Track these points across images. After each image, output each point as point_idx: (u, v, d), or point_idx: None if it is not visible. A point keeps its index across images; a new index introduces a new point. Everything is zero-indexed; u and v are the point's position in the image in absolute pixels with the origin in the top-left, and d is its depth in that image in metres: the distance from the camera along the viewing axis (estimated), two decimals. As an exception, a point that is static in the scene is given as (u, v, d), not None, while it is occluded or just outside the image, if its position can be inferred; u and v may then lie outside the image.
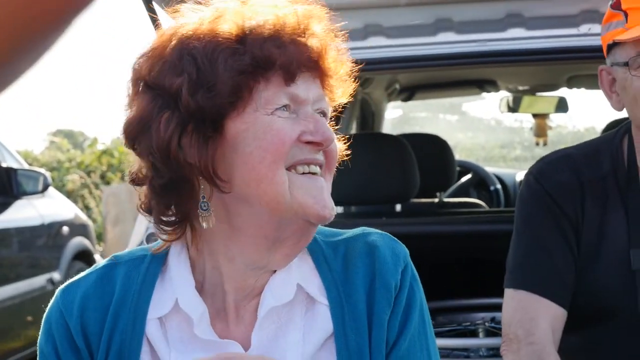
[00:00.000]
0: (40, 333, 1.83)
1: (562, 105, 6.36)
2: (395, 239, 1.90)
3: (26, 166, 7.85)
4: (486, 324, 3.94)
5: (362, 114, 6.02)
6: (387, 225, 4.04)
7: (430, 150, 5.21)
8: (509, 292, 2.64)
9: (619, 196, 2.61)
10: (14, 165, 7.38)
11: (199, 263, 1.80)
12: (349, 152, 1.87)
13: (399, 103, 7.48)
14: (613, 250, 2.59)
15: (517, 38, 3.43)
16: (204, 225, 1.74)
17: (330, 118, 1.81)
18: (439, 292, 3.54)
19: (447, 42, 3.53)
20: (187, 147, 1.68)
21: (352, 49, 3.55)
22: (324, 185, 1.73)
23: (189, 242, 1.81)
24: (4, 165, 7.20)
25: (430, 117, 14.33)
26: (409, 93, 6.24)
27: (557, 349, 2.56)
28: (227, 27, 1.70)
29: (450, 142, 5.81)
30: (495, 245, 3.52)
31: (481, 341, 3.87)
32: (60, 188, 15.78)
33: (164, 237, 1.80)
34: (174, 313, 1.78)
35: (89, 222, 9.09)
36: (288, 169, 1.69)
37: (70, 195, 15.47)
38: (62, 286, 1.85)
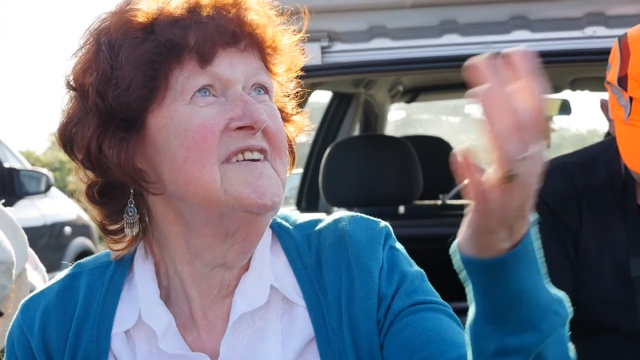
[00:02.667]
0: (4, 352, 1.73)
1: (565, 108, 6.34)
2: (372, 218, 1.72)
3: (29, 166, 7.85)
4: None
5: (365, 116, 6.01)
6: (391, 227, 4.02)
7: (433, 152, 5.20)
8: None
9: (616, 205, 2.60)
10: (17, 166, 7.38)
11: (163, 268, 1.68)
12: (311, 126, 1.76)
13: (401, 105, 7.48)
14: (612, 258, 2.58)
15: (521, 40, 3.41)
16: (128, 232, 1.64)
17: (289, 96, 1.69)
18: (443, 294, 3.53)
19: (452, 44, 3.52)
20: (106, 149, 1.56)
21: (356, 50, 3.58)
22: (264, 170, 1.57)
23: (146, 248, 1.70)
24: (7, 165, 7.20)
25: (433, 119, 14.32)
26: (412, 95, 6.23)
27: None
28: (138, 13, 1.58)
29: (453, 144, 5.80)
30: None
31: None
32: (62, 188, 15.76)
33: (115, 247, 1.68)
34: (140, 325, 1.66)
35: (91, 223, 9.09)
36: (224, 162, 1.55)
37: (72, 195, 15.45)
38: (24, 300, 1.73)
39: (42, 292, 1.72)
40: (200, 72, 1.56)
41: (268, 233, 1.71)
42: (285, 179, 1.63)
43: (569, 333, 1.44)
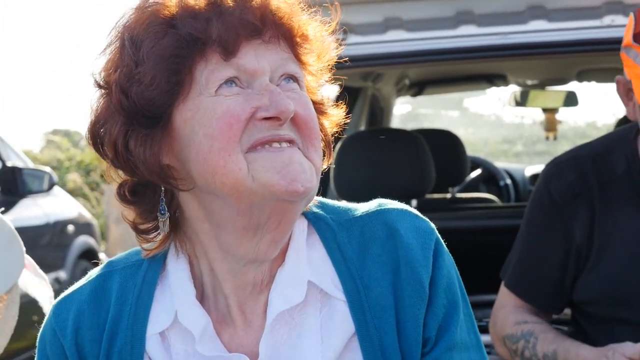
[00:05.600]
0: (36, 354, 1.70)
1: (571, 99, 6.33)
2: (417, 213, 1.67)
3: (31, 165, 7.81)
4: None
5: (371, 110, 5.98)
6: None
7: (443, 145, 5.18)
8: (501, 286, 2.79)
9: (635, 194, 2.58)
10: (19, 164, 7.34)
11: (196, 266, 1.65)
12: (346, 120, 1.71)
13: (404, 100, 7.46)
14: (628, 247, 2.57)
15: (539, 30, 3.40)
16: (162, 230, 1.62)
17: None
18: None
19: (468, 35, 3.49)
20: (133, 147, 1.55)
21: (371, 42, 3.55)
22: (294, 155, 1.52)
23: (178, 246, 1.67)
24: (10, 164, 7.16)
25: (432, 113, 14.31)
26: (418, 88, 6.21)
27: None
28: (159, 8, 1.55)
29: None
30: (513, 239, 3.49)
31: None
32: (61, 187, 15.75)
33: (147, 245, 1.67)
34: (176, 326, 1.63)
35: (94, 221, 9.06)
36: (248, 150, 1.51)
37: (71, 194, 15.44)
38: (55, 301, 1.71)
39: (73, 292, 1.70)
40: (225, 64, 1.53)
41: (303, 224, 1.67)
42: (321, 167, 1.59)
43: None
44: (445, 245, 1.67)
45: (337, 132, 1.71)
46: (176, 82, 1.53)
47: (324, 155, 1.64)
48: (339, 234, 1.65)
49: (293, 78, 1.58)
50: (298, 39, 1.59)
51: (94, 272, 1.73)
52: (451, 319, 1.63)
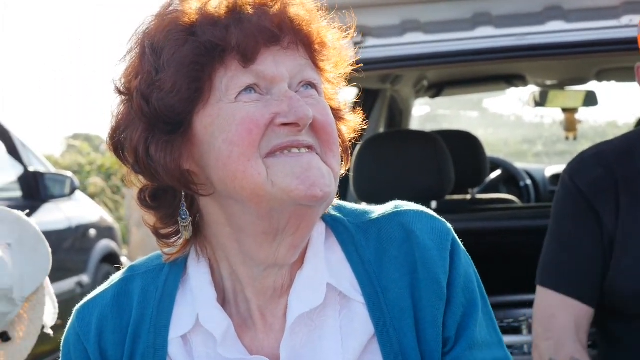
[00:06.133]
0: (60, 357, 1.72)
1: (590, 99, 6.31)
2: (433, 214, 1.69)
3: (53, 170, 7.85)
4: (529, 320, 3.92)
5: (390, 112, 5.98)
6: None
7: (462, 147, 5.18)
8: (537, 290, 2.69)
9: None
10: (41, 169, 7.38)
11: (218, 270, 1.67)
12: (364, 126, 1.72)
13: (423, 101, 7.45)
14: None
15: (556, 31, 3.39)
16: (183, 235, 1.64)
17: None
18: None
19: (486, 36, 3.49)
20: (153, 153, 1.56)
21: (389, 45, 3.55)
22: (313, 161, 1.53)
23: (198, 251, 1.69)
24: (32, 169, 7.20)
25: (451, 114, 14.28)
26: (436, 89, 6.20)
27: (601, 348, 2.56)
28: (179, 15, 1.57)
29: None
30: (534, 240, 3.49)
31: (525, 338, 3.85)
32: (82, 191, 15.82)
33: (168, 250, 1.69)
34: (197, 329, 1.65)
35: (115, 225, 9.10)
36: (267, 156, 1.52)
37: (92, 198, 15.51)
38: (78, 306, 1.73)
39: (96, 297, 1.72)
40: (244, 71, 1.54)
41: (322, 227, 1.69)
42: (339, 172, 1.60)
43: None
44: (462, 245, 1.68)
45: (354, 137, 1.72)
46: (196, 89, 1.54)
47: (342, 161, 1.65)
48: (356, 237, 1.67)
49: (311, 84, 1.59)
50: (316, 46, 1.60)
51: (115, 277, 1.75)
52: (470, 318, 1.65)
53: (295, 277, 1.64)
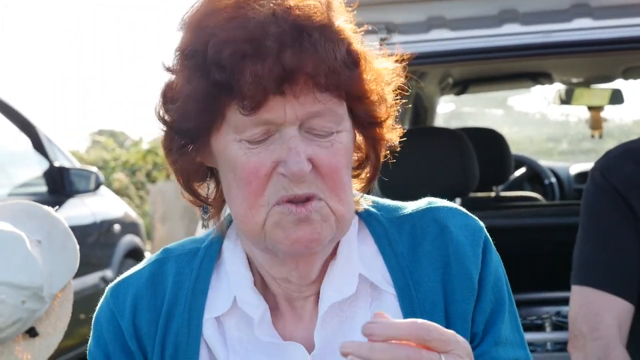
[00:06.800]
0: (90, 336, 1.73)
1: (617, 97, 6.27)
2: (466, 211, 1.69)
3: (78, 165, 7.89)
4: (553, 317, 3.91)
5: (415, 109, 5.97)
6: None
7: (487, 144, 5.17)
8: (575, 289, 2.62)
9: None
10: (66, 165, 7.42)
11: (252, 257, 1.67)
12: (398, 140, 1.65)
13: (448, 98, 7.43)
14: None
15: (583, 28, 3.38)
16: (204, 229, 1.67)
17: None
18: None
19: (512, 33, 3.48)
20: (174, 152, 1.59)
21: (415, 42, 3.55)
22: (309, 213, 1.50)
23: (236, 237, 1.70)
24: (57, 164, 7.24)
25: (476, 112, 14.24)
26: (461, 87, 6.20)
27: (626, 344, 2.53)
28: (191, 43, 1.52)
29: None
30: (558, 238, 3.48)
31: (548, 335, 3.84)
32: (107, 187, 15.89)
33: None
34: (232, 312, 1.65)
35: (140, 220, 9.13)
36: (276, 204, 1.51)
37: (116, 194, 15.58)
38: (111, 284, 1.74)
39: (130, 276, 1.73)
40: (251, 118, 1.48)
41: (355, 220, 1.68)
42: (346, 214, 1.56)
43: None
44: (493, 244, 1.68)
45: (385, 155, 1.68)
46: (208, 119, 1.52)
47: (369, 184, 1.65)
48: (390, 230, 1.67)
49: (328, 133, 1.53)
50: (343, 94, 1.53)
51: (150, 258, 1.76)
52: (498, 315, 1.65)
53: (327, 269, 1.64)
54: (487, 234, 1.68)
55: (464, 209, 1.70)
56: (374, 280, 1.64)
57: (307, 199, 1.50)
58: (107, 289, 1.74)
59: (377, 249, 1.66)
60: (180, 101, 1.52)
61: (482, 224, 1.68)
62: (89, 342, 1.73)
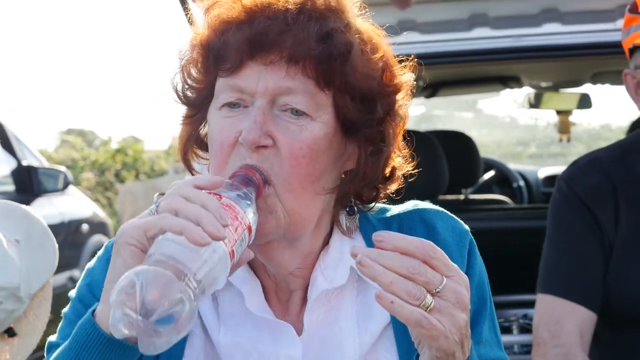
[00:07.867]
0: (80, 280, 1.74)
1: (585, 102, 6.31)
2: (452, 215, 1.74)
3: (46, 164, 7.84)
4: (520, 320, 3.92)
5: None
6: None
7: (456, 147, 5.18)
8: (539, 297, 2.66)
9: None
10: (35, 164, 7.37)
11: None
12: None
13: (418, 101, 7.44)
14: None
15: (552, 33, 3.40)
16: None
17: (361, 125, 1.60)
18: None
19: (483, 37, 3.50)
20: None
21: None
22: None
23: None
24: (25, 163, 7.20)
25: (446, 115, 14.27)
26: (432, 90, 6.21)
27: (588, 353, 2.55)
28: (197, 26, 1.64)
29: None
30: (526, 240, 3.49)
31: (515, 338, 3.86)
32: (75, 186, 15.80)
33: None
34: (226, 288, 1.67)
35: (108, 220, 9.09)
36: (231, 177, 1.54)
37: (85, 193, 15.49)
38: (111, 240, 1.72)
39: None
40: (226, 81, 1.56)
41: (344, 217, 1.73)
42: (297, 207, 1.57)
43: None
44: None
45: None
46: (207, 93, 1.62)
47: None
48: (378, 228, 1.70)
49: (294, 110, 1.56)
50: (322, 68, 1.57)
51: None
52: (480, 315, 1.70)
53: (319, 259, 1.67)
54: (472, 237, 1.73)
55: (449, 213, 1.75)
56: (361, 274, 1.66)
57: (254, 170, 1.52)
58: (105, 245, 1.77)
59: (365, 245, 1.70)
60: (188, 73, 1.63)
61: (467, 227, 1.73)
62: (77, 284, 1.74)
